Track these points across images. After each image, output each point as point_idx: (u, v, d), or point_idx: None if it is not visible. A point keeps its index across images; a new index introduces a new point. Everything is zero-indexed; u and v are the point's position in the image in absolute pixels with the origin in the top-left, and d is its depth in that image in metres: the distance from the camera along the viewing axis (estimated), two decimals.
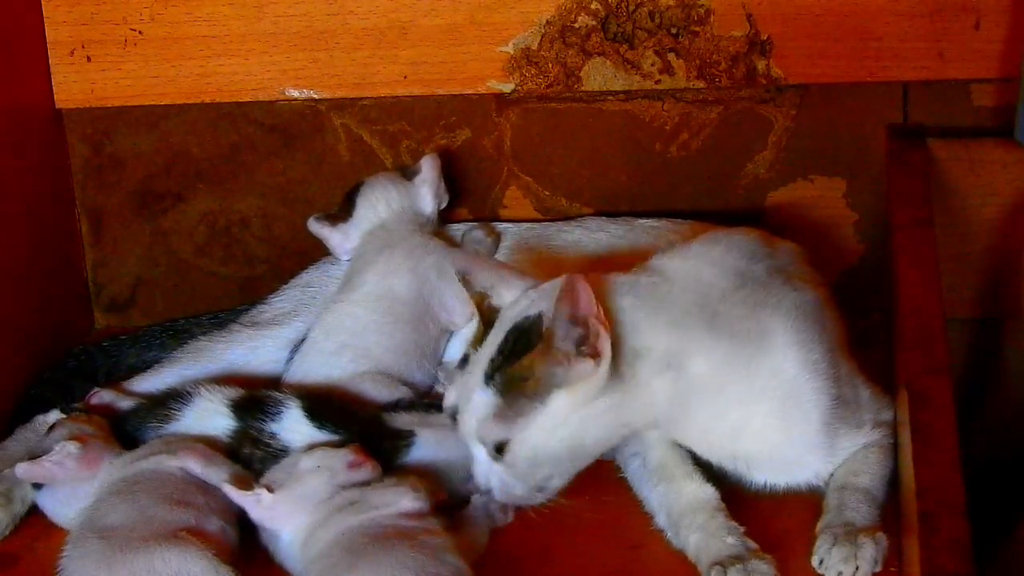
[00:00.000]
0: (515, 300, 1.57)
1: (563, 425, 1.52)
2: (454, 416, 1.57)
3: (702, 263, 1.63)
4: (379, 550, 1.48)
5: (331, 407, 1.73)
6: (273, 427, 1.71)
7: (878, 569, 1.51)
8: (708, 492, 1.59)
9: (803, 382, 1.58)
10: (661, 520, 1.61)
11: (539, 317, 1.52)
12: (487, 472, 1.55)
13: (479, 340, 1.57)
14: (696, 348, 1.55)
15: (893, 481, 1.62)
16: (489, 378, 1.52)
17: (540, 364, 1.50)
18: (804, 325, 1.60)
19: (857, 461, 1.63)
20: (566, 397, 1.50)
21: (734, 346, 1.56)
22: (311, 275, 2.04)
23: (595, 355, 1.49)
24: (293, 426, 1.71)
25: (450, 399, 1.59)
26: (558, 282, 1.52)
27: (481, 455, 1.55)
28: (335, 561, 1.50)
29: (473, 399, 1.53)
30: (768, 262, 1.66)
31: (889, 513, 1.59)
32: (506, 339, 1.53)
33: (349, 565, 1.48)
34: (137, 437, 1.73)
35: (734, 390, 1.55)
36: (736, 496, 1.62)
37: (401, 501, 1.56)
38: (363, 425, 1.71)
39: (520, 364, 1.50)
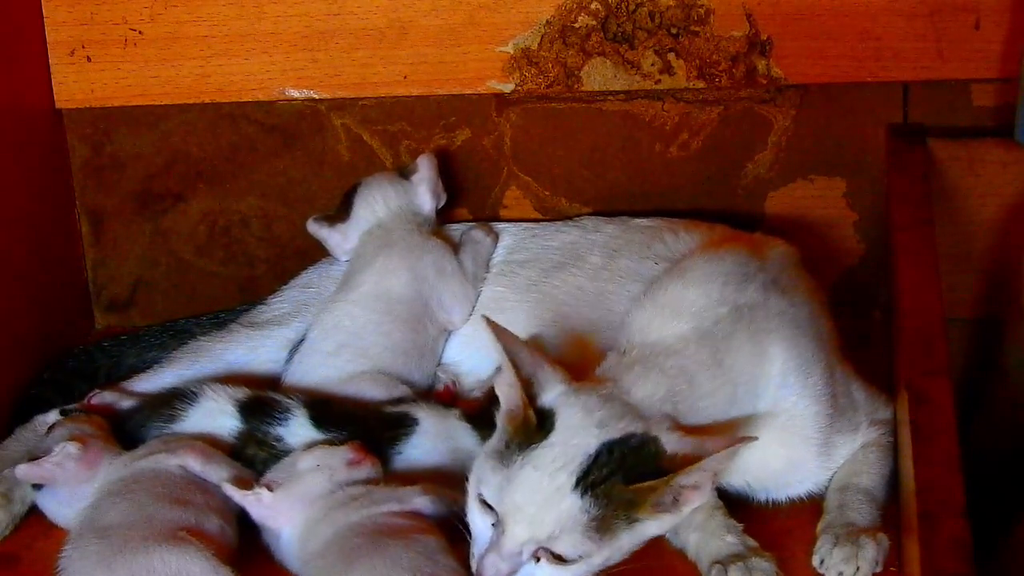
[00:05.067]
0: (584, 404, 1.48)
1: (629, 547, 1.48)
2: (487, 505, 1.47)
3: (702, 312, 1.60)
4: (374, 549, 1.48)
5: (336, 413, 1.73)
6: (279, 431, 1.71)
7: (879, 569, 1.51)
8: None
9: (803, 408, 1.59)
10: None
11: (653, 440, 1.47)
12: (510, 572, 1.45)
13: (518, 428, 1.48)
14: (707, 400, 1.55)
15: (893, 481, 1.62)
16: (588, 489, 1.44)
17: (657, 495, 1.45)
18: (802, 345, 1.60)
19: (857, 461, 1.63)
20: (655, 525, 1.48)
21: (737, 387, 1.56)
22: (311, 275, 2.04)
23: (682, 505, 1.48)
24: (299, 431, 1.71)
25: (488, 493, 1.47)
26: (649, 400, 1.50)
27: (512, 552, 1.45)
28: (332, 561, 1.50)
29: (554, 504, 1.43)
30: (761, 278, 1.65)
31: (889, 513, 1.59)
32: (608, 451, 1.45)
33: (345, 565, 1.48)
34: (140, 437, 1.73)
35: (739, 421, 1.55)
36: (736, 496, 1.62)
37: (415, 500, 1.56)
38: (364, 423, 1.71)
39: (641, 488, 1.44)
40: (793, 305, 1.63)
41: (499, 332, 1.51)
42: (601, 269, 1.90)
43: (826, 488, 1.63)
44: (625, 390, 1.52)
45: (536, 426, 1.47)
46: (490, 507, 1.47)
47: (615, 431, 1.47)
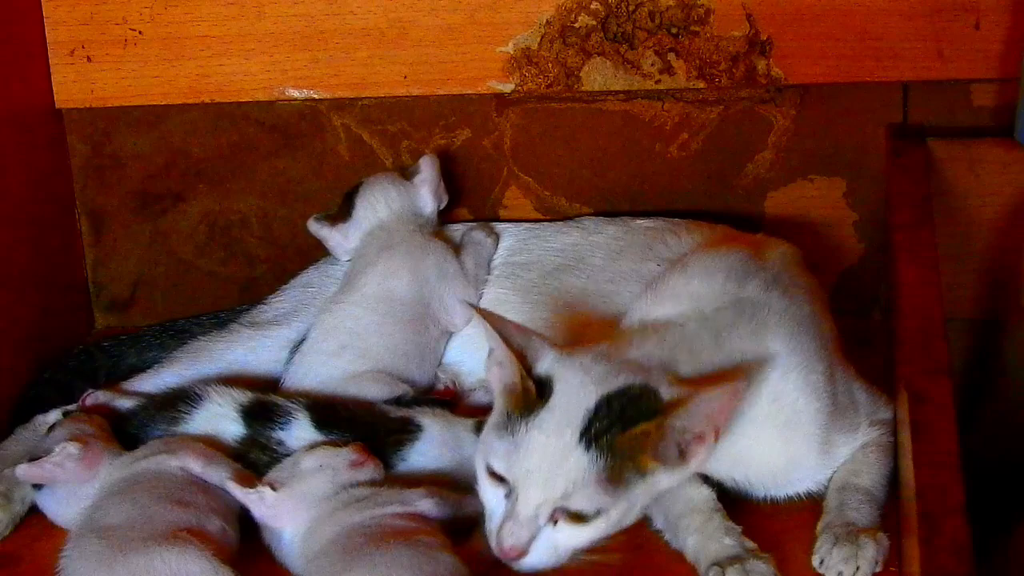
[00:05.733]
0: (580, 364, 1.50)
1: (644, 500, 1.50)
2: (497, 476, 1.48)
3: (702, 299, 1.61)
4: (375, 549, 1.48)
5: (338, 415, 1.73)
6: (281, 435, 1.71)
7: (879, 569, 1.51)
8: (704, 493, 1.59)
9: (803, 405, 1.59)
10: (659, 522, 1.60)
11: (649, 389, 1.48)
12: (530, 537, 1.46)
13: (517, 400, 1.49)
14: (709, 370, 1.55)
15: (893, 481, 1.62)
16: (593, 442, 1.46)
17: (657, 438, 1.46)
18: (804, 343, 1.60)
19: (857, 461, 1.63)
20: (666, 478, 1.49)
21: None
22: (311, 275, 2.04)
23: (689, 457, 1.49)
24: (301, 435, 1.70)
25: (496, 463, 1.48)
26: (652, 352, 1.52)
27: (529, 516, 1.46)
28: (333, 560, 1.50)
29: (563, 461, 1.45)
30: (762, 275, 1.65)
31: (889, 513, 1.59)
32: (607, 403, 1.47)
33: (346, 564, 1.48)
34: (142, 438, 1.73)
35: (740, 415, 1.54)
36: (735, 496, 1.62)
37: (420, 502, 1.57)
38: (368, 427, 1.71)
39: (634, 433, 1.45)
40: (794, 304, 1.63)
41: (485, 314, 1.53)
42: (603, 270, 1.90)
43: (826, 488, 1.63)
44: (621, 350, 1.54)
45: (536, 395, 1.48)
46: (500, 479, 1.48)
47: (613, 384, 1.48)
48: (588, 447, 1.45)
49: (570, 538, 1.47)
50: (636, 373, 1.50)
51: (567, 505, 1.46)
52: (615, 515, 1.47)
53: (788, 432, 1.59)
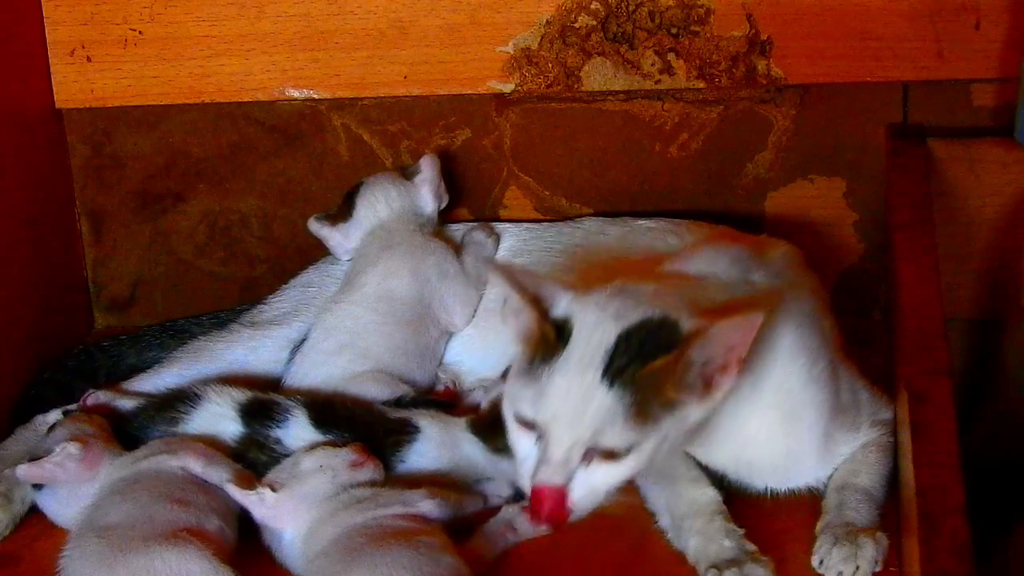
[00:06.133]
0: (596, 302, 1.50)
1: (676, 434, 1.48)
2: (526, 423, 1.48)
3: (711, 269, 1.62)
4: (376, 549, 1.48)
5: (336, 414, 1.73)
6: (279, 433, 1.71)
7: (878, 569, 1.51)
8: (709, 495, 1.59)
9: (807, 396, 1.59)
10: (664, 521, 1.61)
11: (669, 322, 1.47)
12: (565, 479, 1.45)
13: (537, 345, 1.49)
14: None
15: (893, 481, 1.62)
16: (615, 378, 1.45)
17: (679, 370, 1.45)
18: (808, 335, 1.60)
19: (856, 461, 1.63)
20: (694, 410, 1.47)
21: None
22: (311, 275, 2.04)
23: (714, 388, 1.48)
24: (299, 433, 1.71)
25: (524, 408, 1.47)
26: (660, 291, 1.51)
27: (561, 458, 1.45)
28: (334, 560, 1.50)
29: (588, 401, 1.44)
30: (765, 269, 1.65)
31: (889, 513, 1.59)
32: (626, 339, 1.47)
33: (346, 564, 1.48)
34: (142, 438, 1.73)
35: (742, 402, 1.54)
36: (736, 496, 1.62)
37: (421, 504, 1.57)
38: (367, 427, 1.71)
39: (654, 367, 1.45)
40: (798, 299, 1.63)
41: (495, 265, 1.52)
42: (607, 270, 1.90)
43: (825, 485, 1.63)
44: (638, 287, 1.53)
45: (555, 338, 1.48)
46: (529, 425, 1.48)
47: (631, 319, 1.47)
48: (611, 384, 1.44)
49: (606, 477, 1.46)
50: (654, 306, 1.49)
51: (598, 444, 1.45)
52: (648, 450, 1.46)
53: (790, 423, 1.59)
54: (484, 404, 1.76)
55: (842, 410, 1.62)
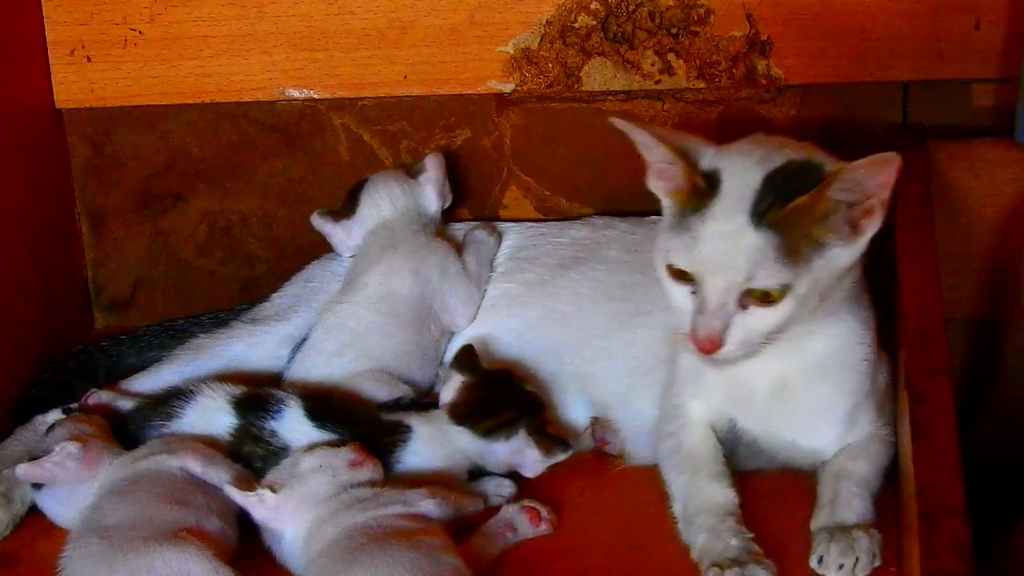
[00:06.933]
0: (741, 150, 1.57)
1: (827, 278, 1.52)
2: (680, 274, 1.53)
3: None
4: (377, 549, 1.48)
5: (331, 406, 1.73)
6: (273, 425, 1.71)
7: (877, 562, 1.51)
8: (728, 496, 1.60)
9: (853, 362, 1.63)
10: (678, 508, 1.62)
11: (812, 164, 1.53)
12: (723, 326, 1.50)
13: (688, 197, 1.53)
14: None
15: (890, 476, 1.62)
16: (763, 219, 1.50)
17: (822, 211, 1.50)
18: (861, 312, 1.64)
19: (859, 447, 1.65)
20: (842, 252, 1.52)
21: None
22: (312, 270, 2.04)
23: (860, 232, 1.52)
24: (293, 425, 1.71)
25: (678, 259, 1.52)
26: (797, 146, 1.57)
27: (718, 305, 1.50)
28: (334, 560, 1.50)
29: (739, 243, 1.49)
30: None
31: (889, 513, 1.59)
32: (772, 180, 1.51)
33: (347, 564, 1.48)
34: (140, 437, 1.73)
35: (798, 339, 1.57)
36: (737, 495, 1.62)
37: (421, 503, 1.57)
38: (362, 423, 1.71)
39: (795, 206, 1.48)
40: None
41: (639, 125, 1.58)
42: (621, 263, 1.91)
43: (825, 466, 1.64)
44: (781, 137, 1.59)
45: (705, 187, 1.53)
46: (683, 276, 1.53)
47: (775, 162, 1.54)
48: (759, 226, 1.49)
49: (762, 320, 1.51)
50: (798, 152, 1.55)
51: (752, 285, 1.49)
52: (801, 291, 1.50)
53: (830, 378, 1.63)
54: (440, 391, 1.77)
55: (873, 393, 1.65)
